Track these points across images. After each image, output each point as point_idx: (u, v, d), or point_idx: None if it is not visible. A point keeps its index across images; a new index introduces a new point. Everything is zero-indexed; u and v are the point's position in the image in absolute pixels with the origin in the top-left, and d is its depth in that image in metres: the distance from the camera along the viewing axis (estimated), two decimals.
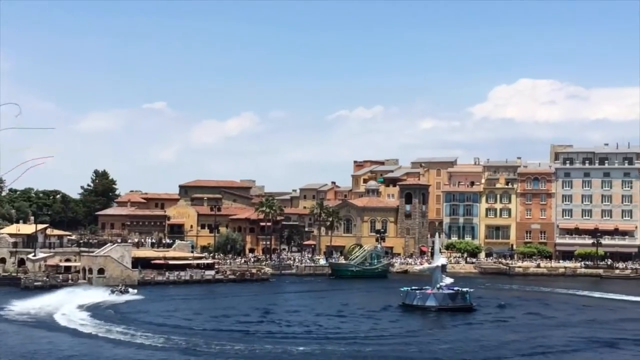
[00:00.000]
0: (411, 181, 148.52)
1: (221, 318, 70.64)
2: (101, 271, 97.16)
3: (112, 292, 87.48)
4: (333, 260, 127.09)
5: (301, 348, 54.59)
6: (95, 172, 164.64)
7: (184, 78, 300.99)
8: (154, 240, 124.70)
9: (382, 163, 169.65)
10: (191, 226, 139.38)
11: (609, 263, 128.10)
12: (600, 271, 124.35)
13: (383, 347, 55.72)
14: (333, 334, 61.74)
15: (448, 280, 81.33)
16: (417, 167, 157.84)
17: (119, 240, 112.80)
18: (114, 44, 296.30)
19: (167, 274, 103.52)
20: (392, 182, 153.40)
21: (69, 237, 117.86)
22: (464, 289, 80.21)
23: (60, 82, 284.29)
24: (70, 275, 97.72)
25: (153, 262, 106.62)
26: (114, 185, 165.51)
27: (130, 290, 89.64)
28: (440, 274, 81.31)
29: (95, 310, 73.43)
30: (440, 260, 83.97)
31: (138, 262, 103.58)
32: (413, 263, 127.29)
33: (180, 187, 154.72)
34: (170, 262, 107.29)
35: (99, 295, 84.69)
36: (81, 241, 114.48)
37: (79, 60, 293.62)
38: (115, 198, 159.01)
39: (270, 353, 52.85)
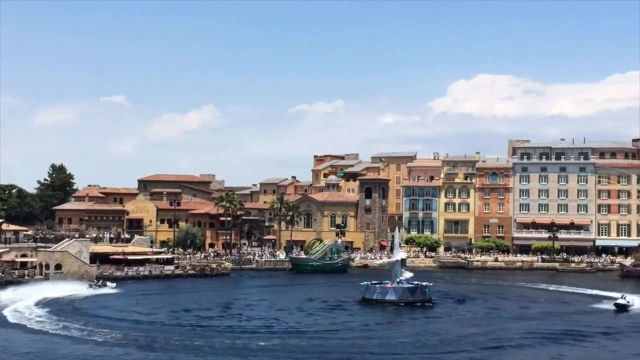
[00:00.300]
0: (371, 176, 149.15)
1: (181, 313, 70.14)
2: (58, 267, 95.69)
3: (90, 286, 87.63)
4: (293, 255, 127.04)
5: (262, 343, 54.55)
6: (52, 166, 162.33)
7: (143, 71, 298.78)
8: (112, 235, 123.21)
9: (342, 157, 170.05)
10: (150, 221, 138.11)
11: (564, 257, 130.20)
12: (557, 265, 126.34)
13: (343, 342, 55.90)
14: (293, 329, 61.77)
15: (407, 275, 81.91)
16: (377, 161, 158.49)
17: (77, 236, 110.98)
18: (70, 38, 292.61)
19: (125, 269, 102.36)
20: (352, 176, 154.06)
21: (25, 232, 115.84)
22: (423, 283, 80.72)
23: (16, 75, 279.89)
24: (26, 271, 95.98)
25: (111, 257, 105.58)
26: (71, 180, 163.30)
27: (108, 283, 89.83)
28: (399, 268, 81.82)
29: (54, 306, 72.39)
30: (399, 254, 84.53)
31: (96, 258, 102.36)
32: (373, 257, 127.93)
33: (139, 181, 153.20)
34: (129, 257, 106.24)
35: (57, 290, 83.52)
36: (38, 236, 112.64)
37: (36, 53, 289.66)
38: (73, 193, 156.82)
39: (231, 348, 52.70)
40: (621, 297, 75.20)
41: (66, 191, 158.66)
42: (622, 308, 73.28)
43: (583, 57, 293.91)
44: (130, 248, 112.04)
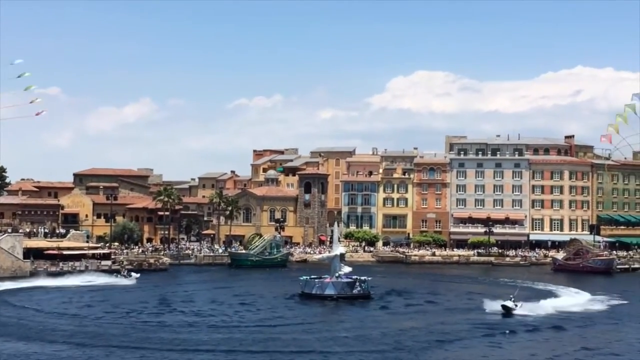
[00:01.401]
0: (310, 171, 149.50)
1: (117, 308, 69.24)
2: None
3: (116, 276, 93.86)
4: (232, 249, 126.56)
5: (200, 337, 54.31)
6: None
7: (79, 63, 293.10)
8: (47, 230, 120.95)
9: (281, 152, 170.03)
10: (86, 215, 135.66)
11: (500, 251, 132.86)
12: (492, 259, 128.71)
13: (283, 336, 55.98)
14: (233, 324, 61.62)
15: (346, 269, 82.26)
16: (316, 156, 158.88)
17: (10, 230, 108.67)
18: (2, 28, 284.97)
19: (61, 264, 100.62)
20: (291, 171, 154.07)
21: None
22: (362, 278, 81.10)
23: None
24: None
25: (46, 252, 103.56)
26: (3, 173, 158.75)
27: (133, 274, 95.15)
28: (338, 262, 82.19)
29: None
30: (338, 249, 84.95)
31: (30, 253, 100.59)
32: (312, 252, 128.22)
33: (75, 175, 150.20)
34: (65, 252, 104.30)
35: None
36: None
37: None
38: (6, 187, 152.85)
39: (169, 343, 52.26)
40: (509, 299, 70.34)
41: None
42: (508, 310, 68.73)
43: (518, 55, 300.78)
44: (65, 243, 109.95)
